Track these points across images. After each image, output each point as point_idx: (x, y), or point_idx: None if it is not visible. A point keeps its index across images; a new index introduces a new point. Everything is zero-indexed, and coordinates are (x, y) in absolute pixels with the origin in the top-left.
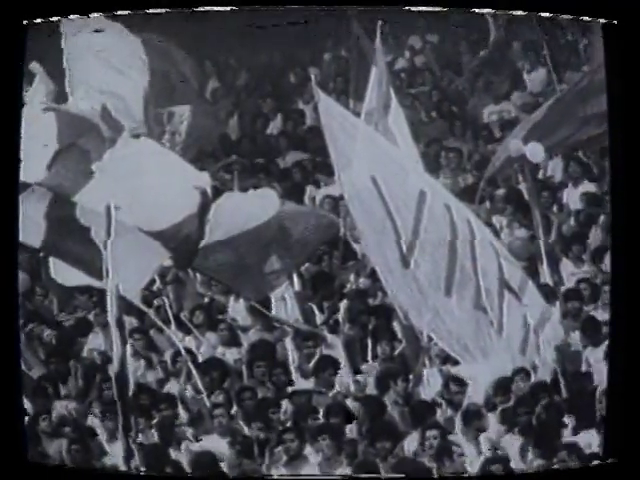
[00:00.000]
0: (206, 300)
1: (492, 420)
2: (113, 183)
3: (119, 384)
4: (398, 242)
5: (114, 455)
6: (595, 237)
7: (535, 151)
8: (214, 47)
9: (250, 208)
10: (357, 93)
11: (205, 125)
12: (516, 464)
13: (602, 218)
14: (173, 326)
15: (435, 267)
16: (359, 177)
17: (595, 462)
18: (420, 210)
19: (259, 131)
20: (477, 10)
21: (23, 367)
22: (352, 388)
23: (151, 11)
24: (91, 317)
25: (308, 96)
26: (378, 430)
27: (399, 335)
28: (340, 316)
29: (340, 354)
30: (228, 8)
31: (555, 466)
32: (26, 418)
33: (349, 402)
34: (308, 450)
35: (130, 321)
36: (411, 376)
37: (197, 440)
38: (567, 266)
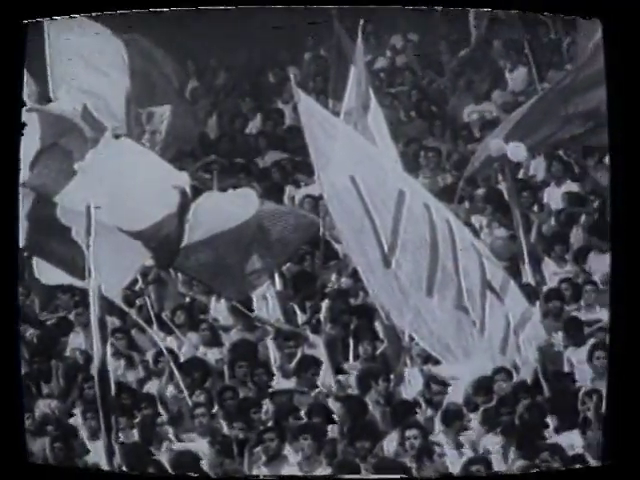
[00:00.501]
0: (187, 300)
1: (474, 420)
2: (94, 183)
3: (100, 383)
4: (378, 242)
5: (96, 454)
6: (577, 237)
7: (517, 150)
8: (195, 47)
9: (230, 208)
10: (336, 93)
11: (185, 125)
12: (498, 464)
13: (584, 218)
14: (155, 326)
15: (416, 267)
16: (338, 177)
17: (578, 465)
18: (399, 210)
19: (238, 131)
20: (459, 9)
21: None
22: (334, 388)
23: (133, 12)
24: (72, 317)
25: (287, 96)
26: (359, 430)
27: (380, 335)
28: (322, 316)
29: (322, 354)
30: (210, 8)
31: (537, 467)
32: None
33: (331, 402)
34: (288, 450)
35: (112, 321)
36: (392, 376)
37: (178, 439)
38: (549, 266)
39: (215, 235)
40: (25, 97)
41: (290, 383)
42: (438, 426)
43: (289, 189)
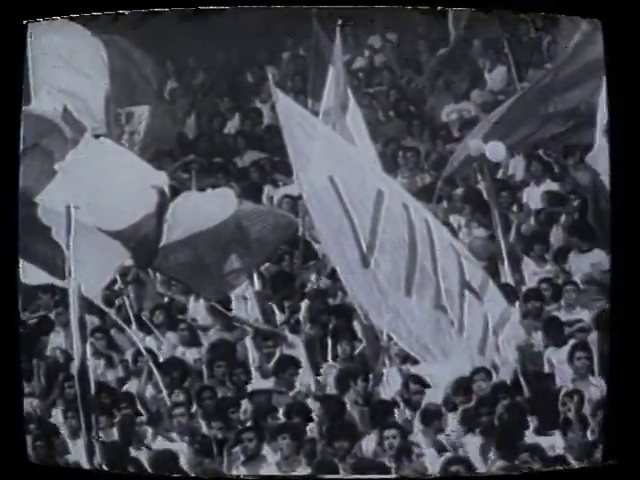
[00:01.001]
0: (166, 300)
1: (453, 420)
2: (74, 183)
3: (80, 383)
4: (357, 242)
5: (77, 452)
6: (557, 237)
7: (496, 150)
8: (174, 47)
9: (208, 207)
10: (315, 92)
11: (163, 125)
12: (477, 465)
13: (564, 217)
14: (134, 326)
15: (395, 267)
16: (317, 176)
17: (559, 466)
18: (378, 210)
19: (217, 130)
20: (438, 8)
21: None
22: (312, 388)
23: (114, 13)
24: (53, 316)
25: (266, 95)
26: (338, 430)
27: (359, 335)
28: (301, 316)
29: (300, 354)
30: (188, 8)
31: (517, 468)
32: None
33: (309, 402)
34: (266, 449)
35: (92, 320)
36: (371, 376)
37: (157, 439)
38: (529, 265)
39: (194, 235)
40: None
41: (269, 383)
42: (417, 426)
43: (268, 189)
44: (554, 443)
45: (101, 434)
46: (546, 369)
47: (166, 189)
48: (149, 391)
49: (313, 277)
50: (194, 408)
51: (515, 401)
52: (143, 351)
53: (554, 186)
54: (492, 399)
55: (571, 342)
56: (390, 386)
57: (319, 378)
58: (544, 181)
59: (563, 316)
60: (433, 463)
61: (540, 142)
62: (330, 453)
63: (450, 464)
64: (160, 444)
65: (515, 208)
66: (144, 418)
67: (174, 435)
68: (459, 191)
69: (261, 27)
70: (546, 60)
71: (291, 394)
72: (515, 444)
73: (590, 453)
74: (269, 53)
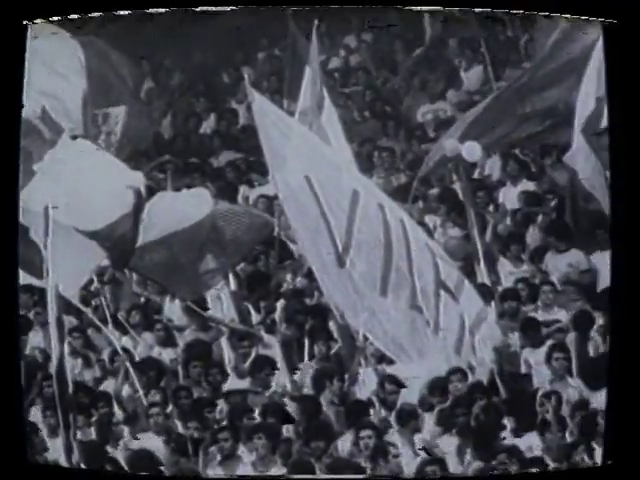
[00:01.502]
0: (142, 300)
1: (429, 421)
2: (52, 184)
3: (58, 382)
4: (333, 242)
5: (55, 450)
6: (534, 237)
7: (472, 150)
8: (150, 47)
9: (183, 207)
10: (291, 93)
11: (139, 125)
12: (453, 466)
13: (541, 217)
14: (110, 325)
15: (371, 267)
16: (293, 176)
17: (537, 468)
18: (353, 210)
19: (192, 131)
20: (413, 7)
21: None
22: (288, 388)
23: (91, 15)
24: (31, 315)
25: (241, 95)
26: (313, 430)
27: (335, 335)
28: (276, 316)
29: (276, 354)
30: (164, 10)
31: (494, 469)
32: None
33: (285, 402)
34: (242, 450)
35: (69, 320)
36: (347, 376)
37: (134, 438)
38: (505, 266)
39: (169, 235)
40: None
41: (244, 383)
42: (393, 426)
43: (243, 189)
44: (532, 444)
45: (79, 433)
46: (523, 370)
47: (142, 189)
48: (126, 390)
49: (289, 277)
50: (170, 408)
51: (491, 402)
52: (120, 351)
53: (531, 186)
54: (468, 399)
55: (549, 343)
56: (366, 386)
57: (295, 378)
58: (521, 181)
59: (540, 316)
60: (409, 464)
61: (517, 142)
62: (306, 453)
63: (426, 465)
64: (137, 443)
65: (491, 208)
66: (121, 417)
67: (151, 434)
68: (435, 191)
69: (237, 27)
70: (523, 59)
71: (267, 394)
72: (492, 445)
73: (569, 455)
74: (245, 54)
